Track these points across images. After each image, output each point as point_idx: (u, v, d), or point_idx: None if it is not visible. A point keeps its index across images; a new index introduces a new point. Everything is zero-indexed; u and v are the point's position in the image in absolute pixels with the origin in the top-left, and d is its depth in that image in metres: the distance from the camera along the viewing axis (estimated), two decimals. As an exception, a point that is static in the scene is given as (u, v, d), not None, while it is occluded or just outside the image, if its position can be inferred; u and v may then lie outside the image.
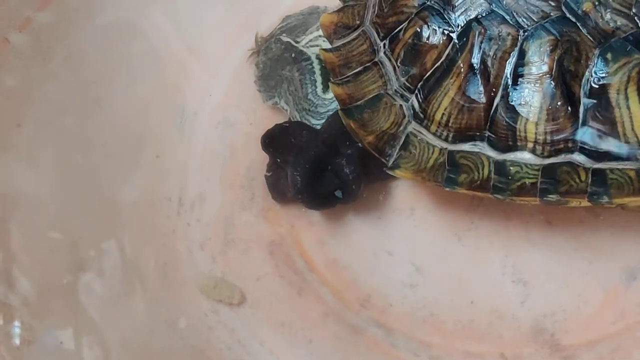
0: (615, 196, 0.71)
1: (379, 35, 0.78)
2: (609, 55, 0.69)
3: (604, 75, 0.69)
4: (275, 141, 0.87)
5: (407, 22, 0.76)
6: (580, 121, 0.70)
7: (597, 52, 0.69)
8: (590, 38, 0.69)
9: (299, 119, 0.89)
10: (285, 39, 0.92)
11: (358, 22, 0.81)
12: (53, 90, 0.92)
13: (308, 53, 0.89)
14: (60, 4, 0.95)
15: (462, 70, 0.73)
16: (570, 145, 0.71)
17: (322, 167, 0.84)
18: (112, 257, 0.87)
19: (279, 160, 0.86)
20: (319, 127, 0.87)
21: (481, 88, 0.72)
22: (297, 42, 0.91)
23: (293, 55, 0.90)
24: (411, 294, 0.86)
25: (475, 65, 0.72)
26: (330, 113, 0.87)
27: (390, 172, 0.77)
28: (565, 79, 0.70)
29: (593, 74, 0.69)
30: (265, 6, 1.02)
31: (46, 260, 0.84)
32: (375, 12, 0.79)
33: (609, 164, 0.70)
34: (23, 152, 0.88)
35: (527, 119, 0.71)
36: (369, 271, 0.87)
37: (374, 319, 0.86)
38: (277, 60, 0.92)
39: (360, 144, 0.81)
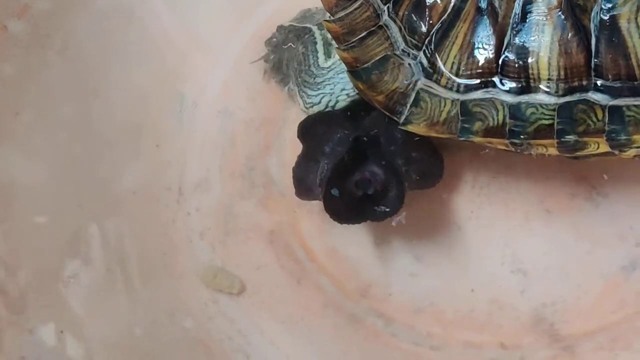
0: (633, 133, 0.70)
1: (382, 0, 0.78)
2: None
3: (612, 6, 0.69)
4: (314, 129, 0.83)
5: None
6: (593, 54, 0.70)
7: None
8: None
9: (298, 96, 0.88)
10: (286, 24, 0.93)
11: None
12: (51, 79, 0.92)
13: (309, 25, 0.89)
14: (59, -9, 0.95)
15: (469, 15, 0.73)
16: (584, 82, 0.70)
17: (359, 163, 0.79)
18: (111, 246, 0.87)
19: (313, 150, 0.82)
20: (315, 98, 0.86)
21: (490, 29, 0.72)
22: (299, 22, 0.91)
23: (296, 34, 0.90)
24: (411, 283, 0.86)
25: (482, 7, 0.72)
26: (327, 83, 0.86)
27: (403, 128, 0.77)
28: (575, 13, 0.70)
29: (602, 7, 0.69)
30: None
31: (43, 249, 0.84)
32: None
33: (626, 101, 0.70)
34: (21, 141, 0.88)
35: (539, 55, 0.71)
36: (369, 261, 0.87)
37: (373, 308, 0.86)
38: (282, 45, 0.92)
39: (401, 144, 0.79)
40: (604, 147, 0.72)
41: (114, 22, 0.96)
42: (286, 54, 0.92)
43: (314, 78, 0.87)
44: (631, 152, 0.74)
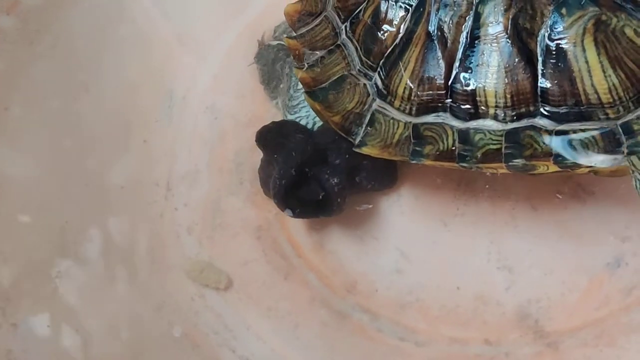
0: (580, 157, 0.71)
1: (340, 18, 0.79)
2: (563, 10, 0.69)
3: (559, 29, 0.69)
4: (268, 138, 0.86)
5: (366, 1, 0.77)
6: (539, 80, 0.70)
7: (551, 8, 0.69)
8: None
9: (285, 115, 0.89)
10: (274, 42, 0.93)
11: (320, 8, 0.81)
12: (40, 74, 0.92)
13: None
14: (48, -14, 0.95)
15: (420, 40, 0.73)
16: (531, 108, 0.71)
17: (307, 174, 0.83)
18: (99, 241, 0.87)
19: (270, 156, 0.86)
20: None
21: (439, 54, 0.73)
22: None
23: (286, 52, 0.91)
24: (397, 279, 0.86)
25: (432, 33, 0.73)
26: (301, 106, 0.87)
27: (357, 150, 0.78)
28: (522, 37, 0.70)
29: (549, 30, 0.69)
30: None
31: (31, 242, 0.84)
32: None
33: (572, 125, 0.70)
34: (10, 135, 0.88)
35: (485, 82, 0.71)
36: (355, 257, 0.88)
37: (360, 304, 0.86)
38: (273, 63, 0.93)
39: (348, 155, 0.82)
40: (555, 168, 0.73)
41: (105, 18, 0.97)
42: (276, 73, 0.92)
43: (292, 101, 0.88)
44: (584, 170, 0.74)
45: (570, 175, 0.86)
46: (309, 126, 0.87)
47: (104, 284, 0.86)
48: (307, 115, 0.87)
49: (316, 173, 0.84)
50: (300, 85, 0.86)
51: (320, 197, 0.83)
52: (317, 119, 0.86)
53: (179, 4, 1.00)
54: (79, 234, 0.87)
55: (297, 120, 0.88)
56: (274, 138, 0.86)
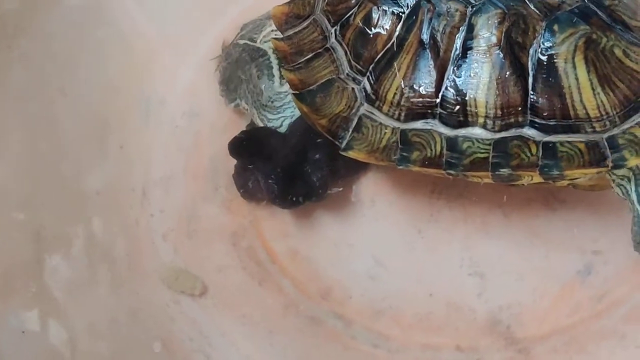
0: (565, 168, 0.72)
1: (329, 22, 0.79)
2: (555, 27, 0.70)
3: (551, 45, 0.70)
4: (243, 147, 0.87)
5: (357, 6, 0.77)
6: (530, 93, 0.71)
7: (543, 24, 0.70)
8: (537, 11, 0.71)
9: (257, 117, 0.89)
10: (241, 41, 0.93)
11: (309, 11, 0.82)
12: (18, 78, 0.92)
13: (264, 48, 0.89)
14: (26, -11, 0.95)
15: (412, 47, 0.74)
16: (520, 119, 0.72)
17: (292, 173, 0.85)
18: (74, 246, 0.87)
19: (246, 164, 0.87)
20: (275, 122, 0.88)
21: (431, 63, 0.73)
22: (254, 41, 0.91)
23: (250, 54, 0.90)
24: (371, 286, 0.87)
25: (424, 41, 0.73)
26: (286, 106, 0.87)
27: (343, 154, 0.78)
28: (514, 50, 0.71)
29: (541, 45, 0.70)
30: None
31: (5, 247, 0.85)
32: (326, 0, 0.80)
33: (559, 137, 0.71)
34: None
35: (477, 92, 0.72)
36: (330, 263, 0.88)
37: (334, 310, 0.87)
38: (236, 63, 0.92)
39: (326, 147, 0.83)
40: (538, 179, 0.74)
41: (82, 22, 0.97)
42: (238, 73, 0.92)
43: (272, 102, 0.87)
44: (565, 182, 0.76)
45: (548, 188, 0.87)
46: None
47: (80, 290, 0.86)
48: (291, 115, 0.87)
49: (299, 171, 0.85)
50: (284, 88, 0.86)
51: (306, 190, 0.85)
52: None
53: (158, 7, 1.00)
54: (54, 239, 0.87)
55: (281, 120, 0.88)
56: (249, 145, 0.87)
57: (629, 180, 0.75)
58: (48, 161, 0.91)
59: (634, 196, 0.75)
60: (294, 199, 0.84)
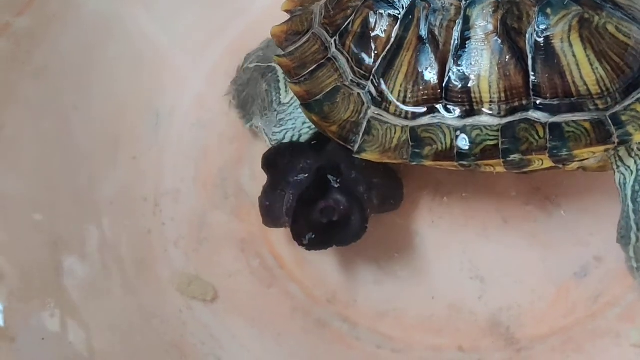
0: (574, 148, 0.74)
1: (328, 33, 0.82)
2: (548, 10, 0.73)
3: (546, 27, 0.73)
4: (277, 160, 0.86)
5: (353, 14, 0.80)
6: (531, 74, 0.74)
7: (536, 9, 0.73)
8: None
9: (264, 133, 0.91)
10: (252, 64, 0.96)
11: (307, 26, 0.85)
12: (32, 94, 0.95)
13: (272, 64, 0.91)
14: (39, 8, 0.98)
15: (411, 44, 0.77)
16: (524, 102, 0.74)
17: (323, 192, 0.82)
18: (89, 254, 0.91)
19: (278, 180, 0.85)
20: (279, 134, 0.89)
21: (432, 56, 0.76)
22: (264, 62, 0.94)
23: (261, 73, 0.93)
24: (375, 290, 0.89)
25: (423, 36, 0.76)
26: (288, 119, 0.89)
27: (357, 156, 0.80)
28: (511, 36, 0.74)
29: (536, 29, 0.73)
30: (240, 8, 1.05)
31: (22, 258, 0.88)
32: (323, 14, 0.83)
33: (564, 117, 0.74)
34: (4, 153, 0.91)
35: (479, 79, 0.75)
36: (335, 268, 0.91)
37: (339, 313, 0.89)
38: (247, 83, 0.96)
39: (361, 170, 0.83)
40: (548, 163, 0.76)
41: (94, 38, 1.00)
42: (250, 92, 0.95)
43: (277, 115, 0.89)
44: (575, 165, 0.79)
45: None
46: (294, 138, 0.90)
47: (96, 296, 0.89)
48: (293, 128, 0.89)
49: (341, 183, 0.83)
50: (287, 99, 0.89)
51: (336, 217, 0.82)
52: (303, 131, 0.89)
53: (167, 22, 1.03)
54: (69, 249, 0.90)
55: (283, 132, 0.90)
56: (284, 159, 0.86)
57: (631, 173, 0.78)
58: (63, 173, 0.94)
59: (628, 190, 0.78)
60: (317, 226, 0.82)
